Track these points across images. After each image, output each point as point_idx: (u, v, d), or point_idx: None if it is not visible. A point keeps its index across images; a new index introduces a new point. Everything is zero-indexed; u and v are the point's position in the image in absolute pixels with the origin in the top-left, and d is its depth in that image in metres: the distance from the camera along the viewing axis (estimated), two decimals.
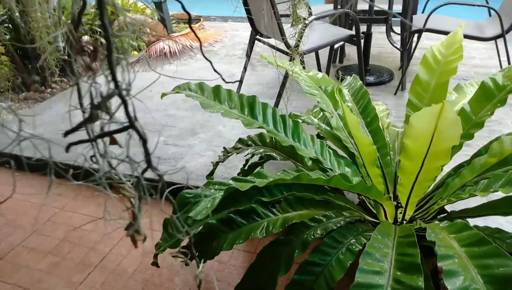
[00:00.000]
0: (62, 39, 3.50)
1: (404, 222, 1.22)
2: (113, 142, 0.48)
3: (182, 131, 2.38)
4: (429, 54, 1.40)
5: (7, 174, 2.24)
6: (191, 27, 0.67)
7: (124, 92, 0.40)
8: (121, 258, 1.62)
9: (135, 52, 4.00)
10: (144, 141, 0.39)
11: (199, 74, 3.31)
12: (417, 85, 1.38)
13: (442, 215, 1.27)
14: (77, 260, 1.63)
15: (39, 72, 3.19)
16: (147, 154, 0.40)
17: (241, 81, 2.84)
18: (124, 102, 0.40)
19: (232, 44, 4.08)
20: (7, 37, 3.29)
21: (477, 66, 3.08)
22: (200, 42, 0.79)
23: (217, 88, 1.30)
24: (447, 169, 1.30)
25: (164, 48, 3.76)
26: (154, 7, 4.43)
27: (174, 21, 4.91)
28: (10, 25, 3.29)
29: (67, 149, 0.43)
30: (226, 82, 0.82)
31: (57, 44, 3.45)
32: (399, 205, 1.19)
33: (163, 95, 1.32)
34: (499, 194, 1.03)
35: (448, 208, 1.30)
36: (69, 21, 0.50)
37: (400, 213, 1.19)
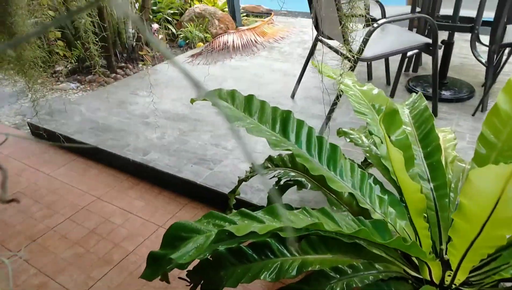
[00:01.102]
0: (132, 26, 3.60)
1: (453, 286, 0.98)
2: None
3: (227, 132, 2.29)
4: None
5: (59, 155, 2.33)
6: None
7: None
8: (142, 261, 1.57)
9: (201, 44, 3.99)
10: None
11: (257, 72, 3.19)
12: (495, 116, 1.11)
13: (505, 284, 1.00)
14: (100, 255, 1.61)
15: (105, 57, 3.30)
16: None
17: (298, 82, 2.66)
18: None
19: (298, 41, 3.89)
20: (83, 21, 3.46)
21: None
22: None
23: (249, 98, 1.16)
24: None
25: (228, 42, 3.70)
26: None
27: (244, 14, 4.84)
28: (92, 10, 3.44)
29: None
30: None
31: (128, 30, 3.55)
32: (448, 266, 0.96)
33: (192, 101, 1.21)
34: None
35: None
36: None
37: (449, 275, 0.96)
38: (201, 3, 4.60)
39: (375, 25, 1.92)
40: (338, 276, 0.91)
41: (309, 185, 1.15)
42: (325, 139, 1.12)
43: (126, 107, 2.70)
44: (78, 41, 3.19)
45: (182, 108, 2.62)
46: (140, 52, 3.59)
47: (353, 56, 1.97)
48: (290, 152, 1.08)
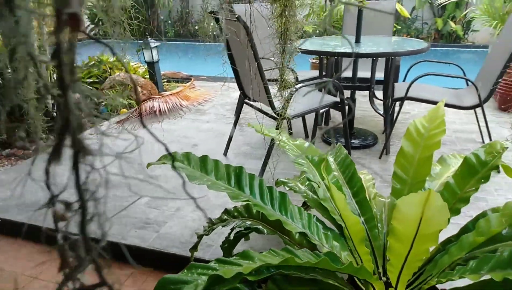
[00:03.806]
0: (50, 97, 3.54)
1: None
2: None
3: (165, 193, 2.34)
4: (412, 128, 1.44)
5: None
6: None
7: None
8: None
9: (125, 110, 4.04)
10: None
11: (187, 133, 3.34)
12: (402, 158, 1.41)
13: None
14: None
15: (24, 129, 3.17)
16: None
17: (229, 141, 2.86)
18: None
19: (221, 104, 4.17)
20: None
21: (457, 131, 3.19)
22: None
23: (204, 159, 1.30)
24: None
25: (154, 107, 3.81)
26: (147, 66, 4.57)
27: (165, 80, 5.03)
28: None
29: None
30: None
31: (46, 101, 3.47)
32: (389, 282, 1.16)
33: (149, 165, 1.30)
34: None
35: (440, 285, 1.27)
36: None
37: None
38: (122, 71, 4.70)
39: (297, 86, 2.23)
40: None
41: (265, 230, 1.29)
42: (274, 188, 1.29)
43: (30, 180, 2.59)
44: None
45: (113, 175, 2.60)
46: None
47: (279, 115, 2.25)
48: (244, 203, 1.23)
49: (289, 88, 2.25)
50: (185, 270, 0.89)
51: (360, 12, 2.69)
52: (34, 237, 2.11)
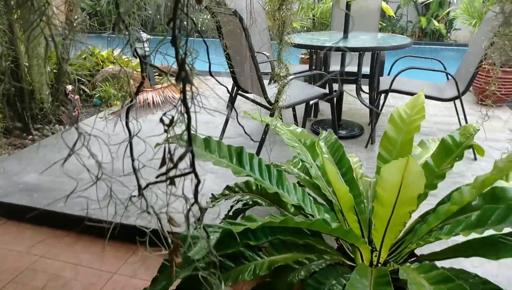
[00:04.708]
0: (47, 87, 3.59)
1: (379, 265, 1.32)
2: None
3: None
4: (395, 114, 1.59)
5: None
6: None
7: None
8: None
9: (118, 102, 4.12)
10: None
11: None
12: (386, 141, 1.56)
13: (412, 259, 1.38)
14: None
15: (20, 118, 3.23)
16: (196, 193, 0.51)
17: (223, 132, 2.98)
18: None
19: (213, 96, 4.28)
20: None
21: (438, 123, 3.38)
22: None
23: (207, 140, 1.42)
24: (415, 216, 1.44)
25: (147, 99, 3.90)
26: (138, 60, 4.64)
27: (157, 74, 5.11)
28: None
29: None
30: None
31: (43, 92, 3.53)
32: (374, 249, 1.30)
33: (157, 145, 1.41)
34: (462, 239, 1.16)
35: (418, 252, 1.42)
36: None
37: (375, 256, 1.30)
38: (114, 64, 4.76)
39: (289, 78, 2.37)
40: (300, 267, 1.18)
41: (264, 203, 1.42)
42: (272, 167, 1.43)
43: (53, 166, 2.68)
44: None
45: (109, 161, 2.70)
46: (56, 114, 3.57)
47: (270, 105, 2.39)
48: (245, 178, 1.36)
49: (283, 79, 2.39)
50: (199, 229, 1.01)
51: (348, 8, 2.84)
52: (36, 220, 2.21)
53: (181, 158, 0.52)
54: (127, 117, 0.69)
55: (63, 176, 2.53)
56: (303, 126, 3.03)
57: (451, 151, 1.45)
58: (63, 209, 2.15)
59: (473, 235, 1.07)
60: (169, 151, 0.53)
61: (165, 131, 0.54)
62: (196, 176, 0.53)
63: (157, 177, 0.55)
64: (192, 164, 0.52)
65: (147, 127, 3.34)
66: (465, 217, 1.31)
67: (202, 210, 0.56)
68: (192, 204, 0.55)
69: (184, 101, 0.52)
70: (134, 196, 0.60)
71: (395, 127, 1.57)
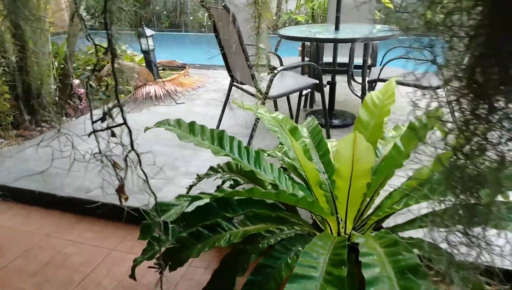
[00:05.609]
0: (54, 82, 3.77)
1: (346, 234, 1.45)
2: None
3: (162, 165, 2.61)
4: (368, 99, 1.70)
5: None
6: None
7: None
8: (102, 278, 1.78)
9: (122, 95, 4.29)
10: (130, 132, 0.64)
11: (181, 115, 3.59)
12: (359, 124, 1.67)
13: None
14: (61, 280, 1.77)
15: (29, 111, 3.41)
16: (131, 142, 0.65)
17: (219, 122, 3.12)
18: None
19: (213, 89, 4.42)
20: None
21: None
22: None
23: (192, 124, 1.56)
24: (384, 194, 1.55)
25: (150, 92, 4.06)
26: (143, 55, 4.80)
27: (161, 68, 5.27)
28: (7, 68, 3.55)
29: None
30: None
31: (49, 86, 3.71)
32: (341, 220, 1.43)
33: (146, 129, 1.56)
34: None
35: (386, 226, 1.54)
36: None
37: (342, 227, 1.42)
38: (119, 60, 4.92)
39: (278, 69, 2.49)
40: (270, 235, 1.31)
41: (242, 181, 1.56)
42: (251, 148, 1.56)
43: (59, 154, 2.85)
44: None
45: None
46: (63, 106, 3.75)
47: (262, 95, 2.51)
48: (226, 160, 1.49)
49: (271, 70, 2.51)
50: (175, 199, 1.15)
51: (339, 1, 2.94)
52: (43, 203, 2.38)
53: (110, 110, 0.65)
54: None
55: (67, 163, 2.70)
56: (297, 116, 3.15)
57: (417, 132, 1.56)
58: (69, 193, 2.32)
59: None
60: (108, 109, 0.66)
61: (106, 89, 0.66)
62: (127, 127, 0.66)
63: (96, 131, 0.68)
64: (123, 118, 0.66)
65: (147, 118, 3.52)
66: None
67: (139, 155, 0.69)
68: (129, 151, 0.68)
69: (112, 69, 0.65)
70: (96, 153, 0.73)
71: (368, 112, 1.68)
